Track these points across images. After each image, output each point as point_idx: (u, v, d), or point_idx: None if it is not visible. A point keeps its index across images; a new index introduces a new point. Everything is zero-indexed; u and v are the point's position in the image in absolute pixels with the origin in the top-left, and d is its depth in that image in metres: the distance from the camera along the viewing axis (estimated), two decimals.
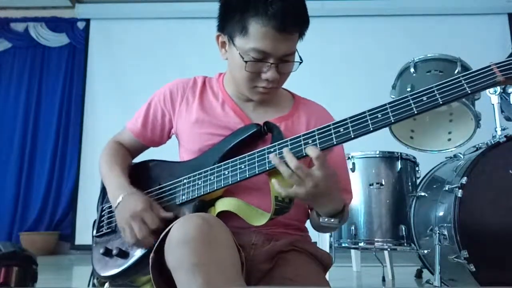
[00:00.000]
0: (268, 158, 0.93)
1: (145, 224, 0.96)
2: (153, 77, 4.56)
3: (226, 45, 1.07)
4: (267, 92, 1.06)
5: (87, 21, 5.45)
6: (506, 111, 2.19)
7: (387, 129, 2.30)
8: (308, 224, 1.14)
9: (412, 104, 0.85)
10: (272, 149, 0.94)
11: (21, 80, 5.40)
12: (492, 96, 1.96)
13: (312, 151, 0.88)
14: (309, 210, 1.13)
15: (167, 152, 1.28)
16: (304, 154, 0.89)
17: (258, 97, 1.08)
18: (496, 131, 1.90)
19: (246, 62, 0.99)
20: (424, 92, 0.86)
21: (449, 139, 2.30)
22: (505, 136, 1.73)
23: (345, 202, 1.00)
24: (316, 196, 0.89)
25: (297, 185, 0.88)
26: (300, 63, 1.05)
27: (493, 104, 1.96)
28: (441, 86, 0.85)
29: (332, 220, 0.96)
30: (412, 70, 2.20)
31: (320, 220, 0.97)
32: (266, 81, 1.03)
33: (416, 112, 0.85)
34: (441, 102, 0.84)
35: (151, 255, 0.86)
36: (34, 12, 5.51)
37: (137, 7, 5.30)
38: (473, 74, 0.85)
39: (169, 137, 1.20)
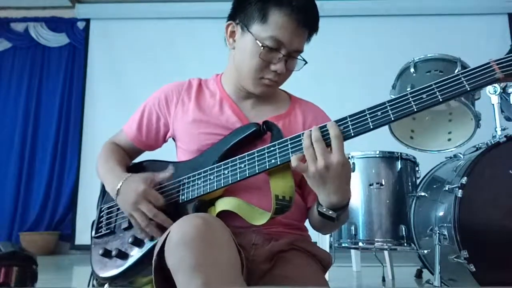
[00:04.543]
0: (268, 158, 0.93)
1: (152, 202, 0.97)
2: (153, 77, 4.58)
3: (236, 34, 1.08)
4: (271, 85, 1.08)
5: (87, 21, 5.45)
6: (506, 111, 2.19)
7: (387, 129, 2.30)
8: (308, 224, 1.13)
9: (412, 102, 0.85)
10: (272, 148, 0.94)
11: (21, 80, 5.40)
12: (492, 96, 1.96)
13: (333, 129, 0.87)
14: (308, 208, 1.13)
15: (166, 153, 1.28)
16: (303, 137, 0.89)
17: (260, 90, 1.09)
18: (496, 131, 1.90)
19: (263, 47, 1.01)
20: (424, 90, 0.86)
21: (449, 139, 2.30)
22: (505, 136, 1.73)
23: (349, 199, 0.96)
24: (324, 179, 0.87)
25: (310, 160, 0.87)
26: (305, 63, 1.07)
27: (493, 104, 1.96)
28: (440, 83, 0.85)
29: (331, 212, 0.92)
30: (412, 70, 2.20)
31: (318, 209, 0.93)
32: (273, 73, 1.05)
33: (416, 110, 0.85)
34: (441, 100, 0.84)
35: (154, 257, 0.86)
36: (34, 12, 5.51)
37: (137, 7, 5.30)
38: (472, 71, 0.85)
39: (164, 141, 1.20)
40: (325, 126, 0.90)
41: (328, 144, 0.87)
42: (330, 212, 0.92)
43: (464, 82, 0.84)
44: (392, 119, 0.86)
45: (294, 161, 0.88)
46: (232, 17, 1.09)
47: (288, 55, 1.03)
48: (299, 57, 1.06)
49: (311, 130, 0.90)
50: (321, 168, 0.85)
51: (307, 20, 1.02)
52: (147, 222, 0.97)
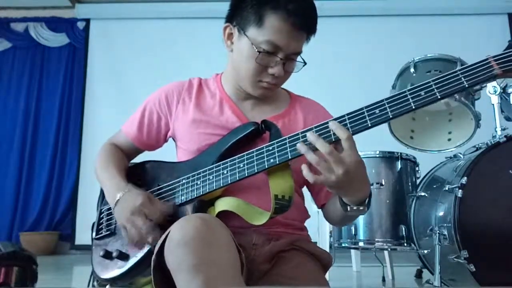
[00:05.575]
0: (266, 157, 0.93)
1: (148, 217, 0.95)
2: (153, 77, 4.58)
3: (234, 36, 1.07)
4: (270, 88, 1.07)
5: (87, 21, 5.45)
6: (506, 111, 2.19)
7: (387, 129, 2.30)
8: (307, 224, 1.13)
9: (410, 99, 0.85)
10: (270, 147, 0.94)
11: (21, 80, 5.40)
12: (492, 96, 1.95)
13: (342, 132, 0.84)
14: (322, 206, 1.12)
15: (165, 153, 1.28)
16: (302, 153, 0.88)
17: (259, 92, 1.08)
18: (496, 131, 1.89)
19: (259, 52, 1.00)
20: (422, 87, 0.85)
21: (449, 139, 2.30)
22: (505, 136, 1.73)
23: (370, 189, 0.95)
24: (345, 183, 0.85)
25: (327, 172, 0.83)
26: (304, 64, 1.06)
27: (493, 104, 1.96)
28: (438, 80, 0.85)
29: (361, 208, 0.91)
30: (412, 70, 2.20)
31: (348, 209, 0.92)
32: (271, 76, 1.04)
33: (414, 107, 0.84)
34: (439, 96, 0.84)
35: (153, 257, 0.86)
36: (34, 12, 5.52)
37: (137, 7, 5.30)
38: (470, 68, 0.84)
39: (165, 141, 1.20)
40: (322, 126, 0.89)
41: (331, 142, 0.86)
42: (361, 208, 0.92)
43: (462, 78, 0.83)
44: (390, 116, 0.85)
45: (309, 176, 0.85)
46: (229, 19, 1.08)
47: (286, 58, 1.02)
48: (298, 58, 1.05)
49: (308, 141, 0.86)
50: (341, 175, 0.83)
51: (304, 23, 1.01)
52: (139, 236, 0.95)
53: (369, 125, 0.86)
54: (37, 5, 5.46)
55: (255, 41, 1.00)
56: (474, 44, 4.57)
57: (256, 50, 1.00)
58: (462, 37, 4.77)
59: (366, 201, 0.93)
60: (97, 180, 1.13)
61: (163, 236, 0.85)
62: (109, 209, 1.12)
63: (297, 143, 0.90)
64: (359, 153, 0.81)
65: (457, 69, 0.85)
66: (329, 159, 0.83)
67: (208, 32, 3.74)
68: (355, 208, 0.92)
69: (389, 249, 2.17)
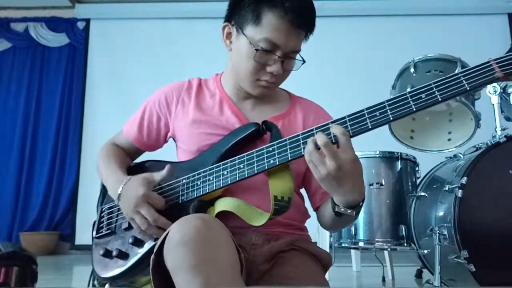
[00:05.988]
0: (266, 158, 0.93)
1: (152, 205, 0.97)
2: (153, 77, 4.58)
3: (232, 36, 1.07)
4: (268, 86, 1.07)
5: (87, 21, 5.45)
6: (506, 111, 2.19)
7: (387, 129, 2.31)
8: (307, 224, 1.13)
9: (411, 102, 0.85)
10: (270, 148, 0.94)
11: (21, 80, 5.39)
12: (492, 96, 1.96)
13: (337, 129, 0.85)
14: (317, 208, 1.12)
15: (166, 153, 1.28)
16: (303, 154, 0.88)
17: (258, 91, 1.08)
18: (496, 131, 1.89)
19: (256, 50, 1.00)
20: (423, 89, 0.85)
21: (449, 139, 2.30)
22: (505, 136, 1.73)
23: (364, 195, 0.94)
24: (338, 180, 0.85)
25: (318, 165, 0.84)
26: (303, 63, 1.06)
27: (493, 104, 1.96)
28: (439, 83, 0.85)
29: (349, 211, 0.90)
30: (412, 70, 2.20)
31: (336, 210, 0.91)
32: (270, 74, 1.04)
33: (414, 110, 0.84)
34: (440, 99, 0.84)
35: (152, 256, 0.86)
36: (34, 12, 5.51)
37: (137, 7, 5.30)
38: (472, 70, 0.84)
39: (165, 141, 1.20)
40: (324, 126, 0.89)
41: (333, 143, 0.86)
42: (349, 211, 0.91)
43: (464, 81, 0.83)
44: (391, 119, 0.85)
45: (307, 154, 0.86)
46: (228, 18, 1.08)
47: (284, 56, 1.02)
48: (297, 56, 1.05)
49: (313, 135, 0.87)
50: (334, 169, 0.83)
51: (301, 21, 1.01)
52: (147, 225, 0.97)
53: (370, 127, 0.86)
54: (37, 5, 5.46)
55: (253, 40, 1.01)
56: (474, 44, 4.56)
57: (254, 48, 1.00)
58: (462, 37, 4.77)
59: (360, 204, 0.92)
60: (100, 178, 1.14)
61: (162, 236, 0.85)
62: (110, 208, 1.12)
63: (297, 144, 0.90)
64: (360, 153, 0.81)
65: (458, 71, 0.85)
66: (325, 150, 0.83)
67: (208, 32, 3.74)
68: (342, 209, 0.90)
69: (389, 249, 2.17)
